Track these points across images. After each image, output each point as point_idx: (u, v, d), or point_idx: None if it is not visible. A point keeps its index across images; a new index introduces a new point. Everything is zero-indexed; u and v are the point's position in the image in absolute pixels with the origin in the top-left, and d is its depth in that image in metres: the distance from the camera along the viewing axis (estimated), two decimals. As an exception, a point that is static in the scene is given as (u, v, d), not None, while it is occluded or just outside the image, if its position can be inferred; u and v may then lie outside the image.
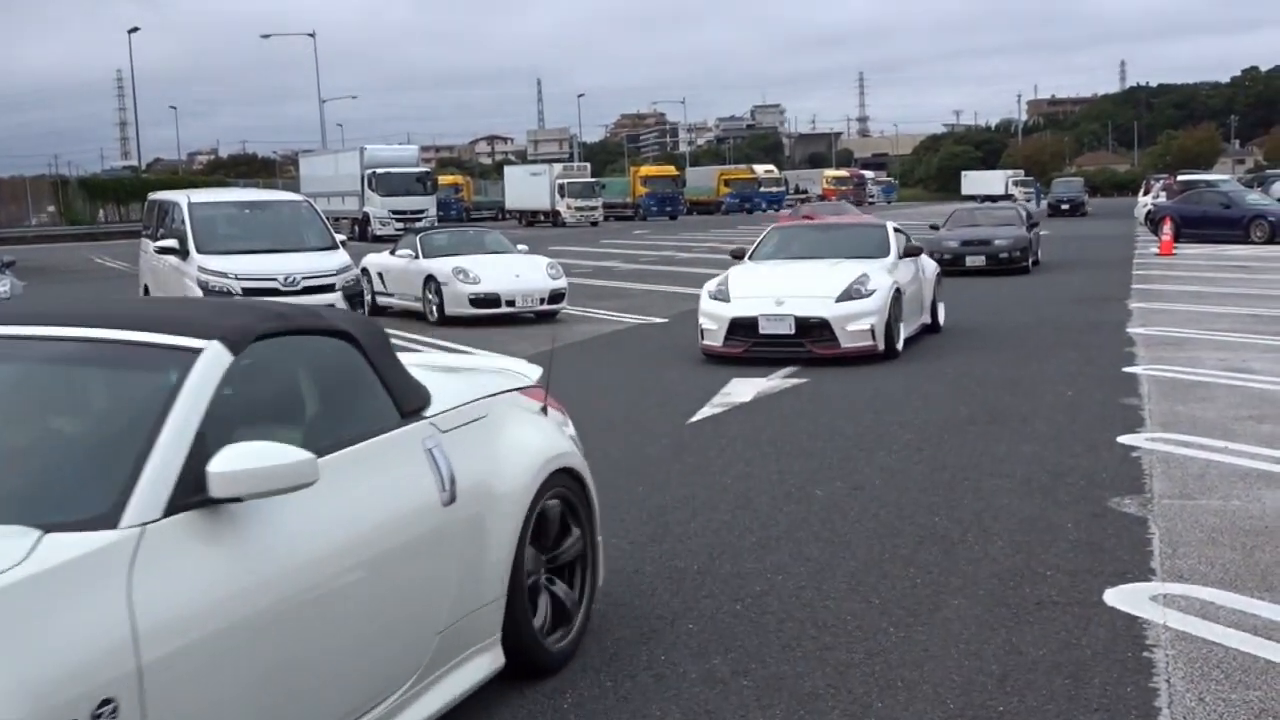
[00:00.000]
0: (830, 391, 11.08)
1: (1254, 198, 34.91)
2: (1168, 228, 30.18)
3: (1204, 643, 4.85)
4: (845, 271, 13.13)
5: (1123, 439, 8.65)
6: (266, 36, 72.73)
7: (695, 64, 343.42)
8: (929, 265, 15.55)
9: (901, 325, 13.12)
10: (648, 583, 5.79)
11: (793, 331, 12.48)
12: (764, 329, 12.57)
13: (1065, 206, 59.17)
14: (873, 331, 12.54)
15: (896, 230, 15.01)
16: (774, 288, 12.99)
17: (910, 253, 14.44)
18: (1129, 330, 14.83)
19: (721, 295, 13.14)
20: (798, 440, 8.99)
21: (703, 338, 13.12)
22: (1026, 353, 13.28)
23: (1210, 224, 32.59)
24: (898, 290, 13.06)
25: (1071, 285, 21.70)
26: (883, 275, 13.10)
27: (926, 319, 14.96)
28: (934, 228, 27.21)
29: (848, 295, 12.62)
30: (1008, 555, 6.07)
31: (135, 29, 67.41)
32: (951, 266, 22.56)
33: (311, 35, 71.81)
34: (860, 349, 12.50)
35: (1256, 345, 13.27)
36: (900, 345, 13.06)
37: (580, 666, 4.77)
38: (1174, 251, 28.53)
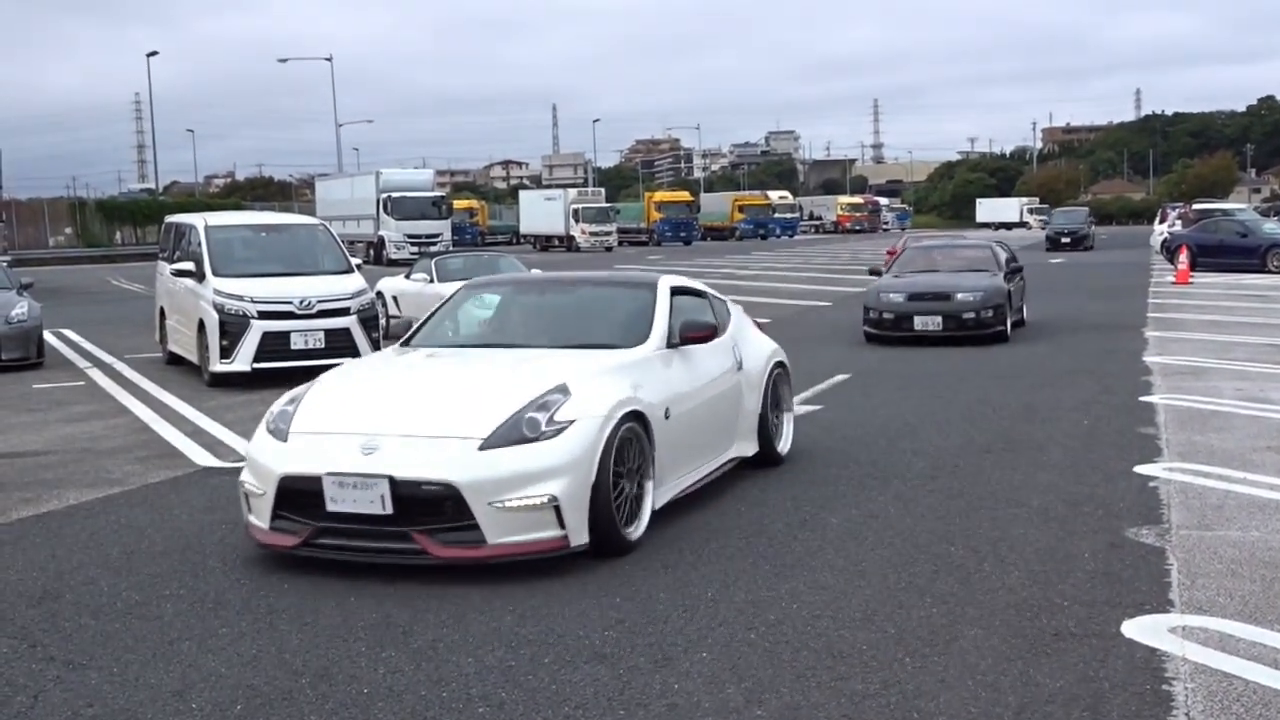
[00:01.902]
0: (844, 418, 11.04)
1: (1270, 227, 34.85)
2: (1184, 256, 30.12)
3: (1224, 676, 4.80)
4: (527, 381, 6.93)
5: (1140, 469, 8.60)
6: (284, 60, 73.48)
7: (710, 90, 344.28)
8: (757, 351, 9.04)
9: (649, 485, 7.04)
10: (661, 610, 5.75)
11: (388, 510, 6.27)
12: (334, 502, 6.35)
13: (1065, 240, 52.10)
14: (557, 510, 6.34)
15: (684, 291, 8.63)
16: (374, 413, 6.81)
17: (694, 335, 7.92)
18: (1145, 359, 14.77)
19: (279, 427, 6.93)
20: (812, 467, 8.95)
21: (247, 508, 6.91)
22: (1042, 380, 13.22)
23: (1227, 253, 32.52)
24: (638, 417, 6.92)
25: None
26: (601, 389, 6.87)
27: (745, 449, 8.64)
28: (874, 273, 19.59)
29: (509, 435, 6.44)
30: (1024, 585, 6.03)
31: (154, 53, 68.02)
32: (894, 331, 17.29)
33: (328, 59, 72.37)
34: (529, 546, 6.33)
35: (1275, 375, 13.20)
36: (641, 527, 6.90)
37: (593, 695, 4.74)
38: (1190, 280, 28.46)
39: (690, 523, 7.39)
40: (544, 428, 6.46)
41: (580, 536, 6.42)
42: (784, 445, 9.24)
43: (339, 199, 56.47)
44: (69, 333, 21.47)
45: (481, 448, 6.35)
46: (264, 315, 14.02)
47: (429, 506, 6.30)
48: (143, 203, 69.76)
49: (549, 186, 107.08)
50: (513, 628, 5.54)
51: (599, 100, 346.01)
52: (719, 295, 9.32)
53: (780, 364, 9.38)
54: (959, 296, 17.16)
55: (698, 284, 9.12)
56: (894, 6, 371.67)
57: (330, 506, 6.37)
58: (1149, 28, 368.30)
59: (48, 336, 18.61)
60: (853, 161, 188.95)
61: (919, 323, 17.11)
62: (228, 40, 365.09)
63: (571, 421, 6.52)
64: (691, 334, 7.92)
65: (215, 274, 14.44)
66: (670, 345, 7.81)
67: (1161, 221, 48.03)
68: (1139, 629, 5.34)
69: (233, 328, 13.95)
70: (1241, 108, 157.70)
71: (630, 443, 6.85)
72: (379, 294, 19.01)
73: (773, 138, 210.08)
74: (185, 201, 72.74)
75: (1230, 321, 19.23)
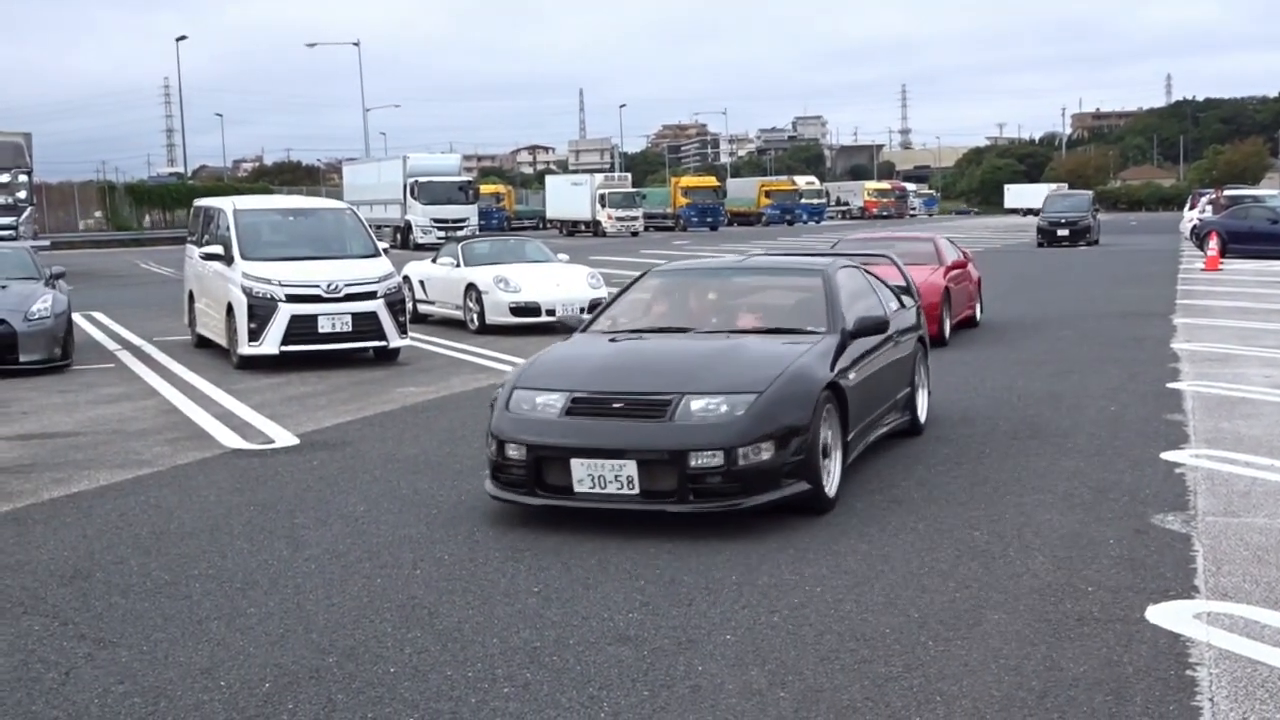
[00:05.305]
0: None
1: (1302, 213, 34.49)
2: (1214, 243, 29.92)
3: (1248, 662, 4.79)
4: None
5: (1166, 455, 8.57)
6: (312, 45, 73.40)
7: (737, 75, 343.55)
8: None
9: None
10: (685, 592, 5.78)
11: None
12: None
13: (1063, 232, 42.05)
14: None
15: None
16: None
17: None
18: (1173, 346, 14.69)
19: None
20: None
21: None
22: (1068, 367, 13.17)
23: (1257, 239, 32.28)
24: None
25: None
26: None
27: None
28: (576, 328, 8.79)
29: None
30: (1049, 570, 6.02)
31: (183, 38, 68.34)
32: (529, 493, 7.08)
33: (356, 44, 72.44)
34: None
35: (1304, 362, 13.10)
36: None
37: (617, 676, 4.77)
38: (1220, 267, 28.25)
39: (715, 506, 7.40)
40: None
41: None
42: None
43: (366, 184, 56.62)
44: (99, 315, 21.63)
45: None
46: (292, 299, 14.09)
47: None
48: (172, 187, 70.11)
49: (575, 172, 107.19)
50: (537, 609, 5.57)
51: (626, 85, 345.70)
52: None
53: None
54: (693, 408, 6.92)
55: None
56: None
57: None
58: (1179, 12, 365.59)
59: (78, 319, 18.63)
60: (880, 147, 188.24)
61: (582, 474, 6.85)
62: (256, 25, 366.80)
63: None
64: None
65: (243, 257, 14.51)
66: None
67: (1191, 208, 47.64)
68: (1163, 615, 5.34)
69: (261, 311, 14.03)
70: (1274, 94, 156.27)
71: None
72: (406, 278, 19.08)
73: (800, 123, 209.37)
74: (214, 186, 73.10)
75: (1260, 308, 19.08)
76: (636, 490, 6.77)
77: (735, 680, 4.72)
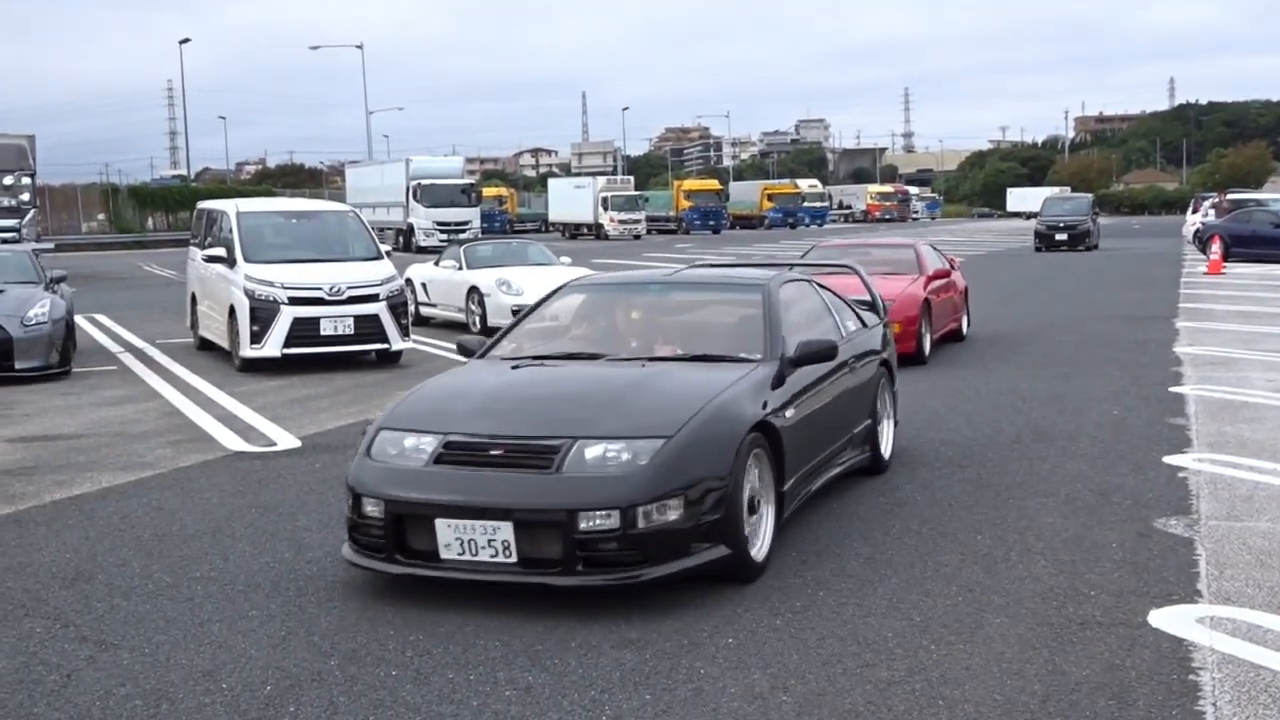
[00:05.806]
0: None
1: (1304, 217, 34.43)
2: (1216, 246, 29.90)
3: (1251, 666, 4.78)
4: None
5: (1169, 459, 8.56)
6: (315, 48, 73.37)
7: (740, 78, 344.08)
8: None
9: None
10: (687, 596, 5.77)
11: None
12: None
13: (1061, 237, 40.99)
14: None
15: None
16: None
17: None
18: (1176, 349, 14.67)
19: None
20: (839, 456, 8.92)
21: None
22: (1071, 370, 13.16)
23: (1260, 243, 32.25)
24: None
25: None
26: None
27: None
28: (465, 351, 7.60)
29: None
30: (1051, 574, 6.02)
31: (186, 40, 68.37)
32: (387, 559, 5.90)
33: (359, 47, 72.48)
34: None
35: (1307, 366, 13.08)
36: None
37: (619, 680, 4.76)
38: (1223, 270, 28.23)
39: (717, 510, 7.38)
40: None
41: None
42: None
43: (369, 186, 56.64)
44: (102, 318, 21.64)
45: None
46: (294, 301, 14.10)
47: None
48: (175, 189, 70.17)
49: (578, 174, 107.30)
50: (539, 612, 5.57)
51: (627, 86, 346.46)
52: None
53: None
54: (586, 456, 5.73)
55: None
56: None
57: None
58: (1182, 14, 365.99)
59: (80, 322, 18.63)
60: (883, 150, 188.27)
61: (449, 537, 5.64)
62: (258, 26, 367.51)
63: None
64: None
65: (246, 260, 14.52)
66: None
67: (1194, 211, 47.57)
68: (1166, 619, 5.33)
69: (263, 313, 14.04)
70: (1277, 97, 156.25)
71: None
72: (408, 281, 19.08)
73: (802, 126, 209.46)
74: (217, 188, 73.16)
75: (1262, 312, 19.07)
76: (514, 558, 5.56)
77: (737, 684, 4.71)
